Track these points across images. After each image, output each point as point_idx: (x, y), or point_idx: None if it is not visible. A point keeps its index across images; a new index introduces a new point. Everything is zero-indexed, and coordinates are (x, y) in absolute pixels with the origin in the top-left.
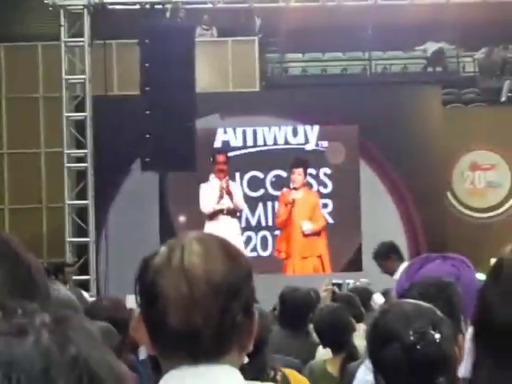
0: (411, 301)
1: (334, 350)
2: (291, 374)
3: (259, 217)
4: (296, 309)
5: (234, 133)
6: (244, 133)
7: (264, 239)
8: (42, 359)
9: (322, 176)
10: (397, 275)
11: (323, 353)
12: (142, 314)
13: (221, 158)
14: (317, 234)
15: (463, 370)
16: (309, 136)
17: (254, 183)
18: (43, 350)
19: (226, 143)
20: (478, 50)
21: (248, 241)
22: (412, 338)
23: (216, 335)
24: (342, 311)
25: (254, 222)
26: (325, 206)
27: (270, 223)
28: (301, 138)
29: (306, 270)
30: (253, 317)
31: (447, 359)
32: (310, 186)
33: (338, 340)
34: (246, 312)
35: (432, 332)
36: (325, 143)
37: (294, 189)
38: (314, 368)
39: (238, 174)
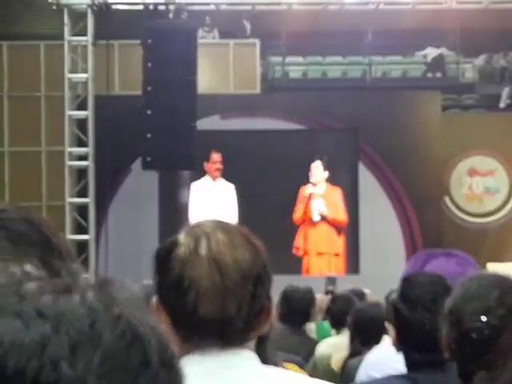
0: None
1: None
2: (292, 369)
3: None
4: (298, 306)
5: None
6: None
7: None
8: (88, 315)
9: None
10: None
11: (323, 350)
12: (166, 304)
13: (216, 156)
14: (335, 227)
15: None
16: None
17: None
18: (89, 307)
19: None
20: (478, 57)
21: None
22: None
23: (246, 321)
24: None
25: None
26: None
27: None
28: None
29: (321, 267)
30: (271, 301)
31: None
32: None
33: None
34: (268, 297)
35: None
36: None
37: (312, 184)
38: (318, 364)
39: None
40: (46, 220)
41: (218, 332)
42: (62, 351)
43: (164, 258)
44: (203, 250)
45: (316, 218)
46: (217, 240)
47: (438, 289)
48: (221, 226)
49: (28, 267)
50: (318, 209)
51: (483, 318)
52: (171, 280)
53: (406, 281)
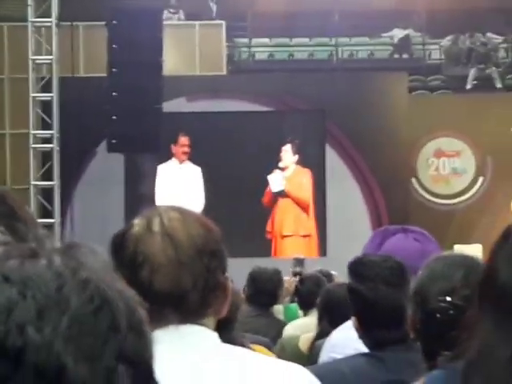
0: None
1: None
2: (260, 350)
3: None
4: (265, 286)
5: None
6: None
7: None
8: (55, 279)
9: None
10: None
11: (290, 332)
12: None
13: (184, 140)
14: (300, 206)
15: None
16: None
17: None
18: (56, 271)
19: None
20: (445, 38)
21: None
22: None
23: (202, 295)
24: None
25: None
26: None
27: None
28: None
29: (288, 250)
30: (228, 282)
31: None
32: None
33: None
34: (224, 273)
35: None
36: None
37: (280, 168)
38: (285, 345)
39: None
40: (11, 192)
41: (175, 306)
42: (29, 315)
43: (119, 241)
44: (156, 226)
45: (274, 188)
46: (169, 217)
47: (392, 264)
48: (175, 207)
49: None
50: (275, 179)
51: (448, 299)
52: (127, 258)
53: (357, 263)
